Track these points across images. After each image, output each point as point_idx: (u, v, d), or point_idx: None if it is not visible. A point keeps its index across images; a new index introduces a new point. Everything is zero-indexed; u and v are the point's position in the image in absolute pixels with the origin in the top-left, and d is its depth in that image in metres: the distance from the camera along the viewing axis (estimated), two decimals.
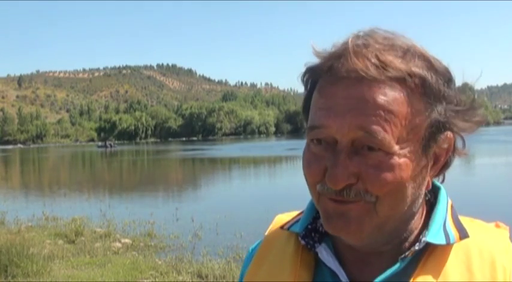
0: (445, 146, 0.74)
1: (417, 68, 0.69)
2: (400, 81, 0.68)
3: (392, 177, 0.68)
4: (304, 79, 0.77)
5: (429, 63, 0.71)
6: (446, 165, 0.78)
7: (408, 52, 0.70)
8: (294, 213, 0.88)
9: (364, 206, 0.69)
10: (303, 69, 0.76)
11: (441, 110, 0.71)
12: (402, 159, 0.68)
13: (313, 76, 0.75)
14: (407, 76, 0.69)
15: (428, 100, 0.70)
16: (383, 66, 0.68)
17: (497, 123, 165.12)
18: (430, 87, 0.70)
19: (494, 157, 30.78)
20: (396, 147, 0.68)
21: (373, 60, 0.68)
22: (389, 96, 0.68)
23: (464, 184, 16.31)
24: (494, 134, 64.24)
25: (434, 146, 0.73)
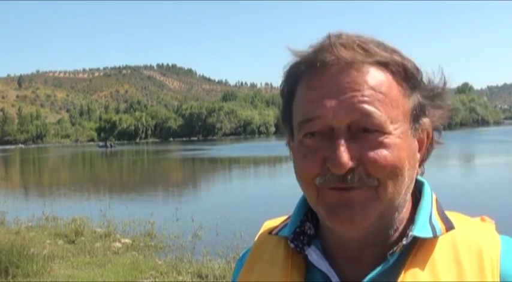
0: (426, 130, 0.78)
1: (396, 56, 0.74)
2: (385, 65, 0.73)
3: (392, 156, 0.70)
4: (284, 85, 0.79)
5: (401, 55, 0.75)
6: (425, 155, 0.81)
7: (382, 45, 0.75)
8: (282, 218, 0.88)
9: (367, 192, 0.70)
10: (284, 72, 0.78)
11: (419, 95, 0.76)
12: (397, 139, 0.71)
13: (295, 75, 0.76)
14: (391, 61, 0.73)
15: (409, 85, 0.75)
16: (367, 52, 0.72)
17: (497, 123, 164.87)
18: (409, 73, 0.74)
19: (494, 157, 30.75)
20: (391, 127, 0.71)
21: (358, 48, 0.72)
22: (378, 78, 0.72)
23: (464, 184, 16.32)
24: (494, 134, 64.22)
25: (419, 130, 0.76)
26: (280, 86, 0.80)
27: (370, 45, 0.73)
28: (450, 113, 0.79)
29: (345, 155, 0.68)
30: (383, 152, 0.69)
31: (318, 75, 0.73)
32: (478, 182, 18.51)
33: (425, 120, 0.76)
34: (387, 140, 0.70)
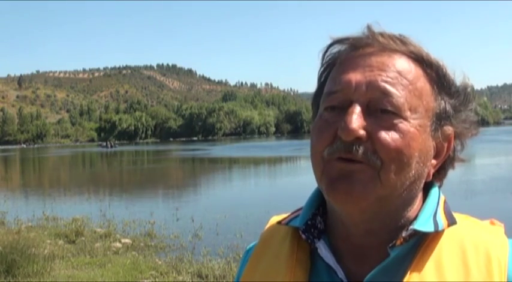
0: (447, 138, 0.77)
1: (432, 58, 0.76)
2: (419, 60, 0.75)
3: (402, 141, 0.70)
4: (321, 68, 0.80)
5: (438, 60, 0.76)
6: (444, 169, 0.80)
7: (422, 45, 0.77)
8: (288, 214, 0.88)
9: (369, 170, 0.70)
10: (321, 55, 0.80)
11: (447, 102, 0.76)
12: (412, 128, 0.71)
13: (332, 58, 0.79)
14: (426, 58, 0.75)
15: (439, 88, 0.76)
16: (404, 43, 0.75)
17: (497, 123, 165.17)
18: (442, 77, 0.76)
19: (495, 157, 30.77)
20: (408, 113, 0.71)
21: (395, 38, 0.76)
22: (407, 66, 0.74)
23: (464, 184, 16.31)
24: (494, 134, 64.24)
25: (439, 134, 0.75)
26: (319, 69, 0.81)
27: (409, 39, 0.76)
28: (477, 130, 0.79)
29: (355, 122, 0.69)
30: (394, 135, 0.70)
31: (351, 55, 0.76)
32: (478, 181, 18.52)
33: (449, 128, 0.76)
34: (402, 124, 0.70)
